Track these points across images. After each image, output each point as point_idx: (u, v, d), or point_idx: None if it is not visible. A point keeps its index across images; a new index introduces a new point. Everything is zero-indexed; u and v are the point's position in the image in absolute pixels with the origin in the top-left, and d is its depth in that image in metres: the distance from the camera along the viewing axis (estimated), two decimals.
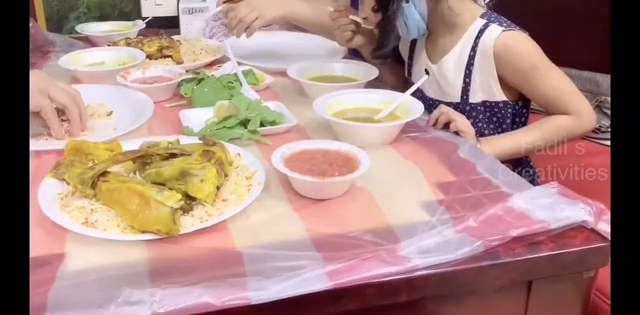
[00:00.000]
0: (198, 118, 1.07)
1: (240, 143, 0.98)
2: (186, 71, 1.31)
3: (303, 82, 1.21)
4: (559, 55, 1.52)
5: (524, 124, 1.14)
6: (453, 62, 1.10)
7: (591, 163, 1.29)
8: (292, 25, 1.53)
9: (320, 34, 1.43)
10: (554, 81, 1.07)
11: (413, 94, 1.12)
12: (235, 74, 1.22)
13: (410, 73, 1.23)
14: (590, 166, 1.22)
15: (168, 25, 1.82)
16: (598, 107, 1.47)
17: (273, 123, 1.05)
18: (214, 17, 1.63)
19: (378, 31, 1.14)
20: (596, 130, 1.43)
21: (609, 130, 1.44)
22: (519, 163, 1.16)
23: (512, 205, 0.75)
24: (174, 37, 1.53)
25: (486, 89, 1.09)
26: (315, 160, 0.86)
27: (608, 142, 1.40)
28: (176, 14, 1.80)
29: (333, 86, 1.18)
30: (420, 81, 1.09)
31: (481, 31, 1.07)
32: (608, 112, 1.46)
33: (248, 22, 1.33)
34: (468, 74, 1.09)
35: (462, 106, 1.12)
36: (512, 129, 1.14)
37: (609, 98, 1.46)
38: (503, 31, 1.05)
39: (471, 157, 0.94)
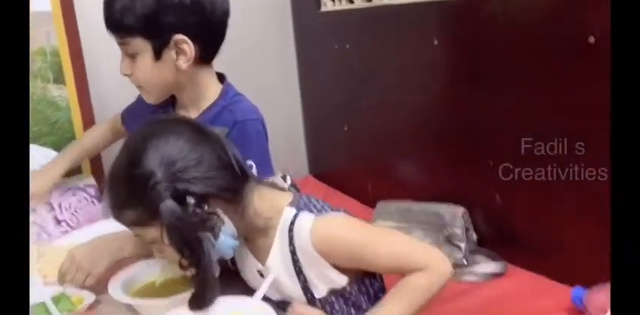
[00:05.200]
0: None
1: None
2: None
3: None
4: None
5: (382, 289, 1.02)
6: (278, 262, 0.97)
7: (456, 305, 1.24)
8: None
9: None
10: (388, 248, 0.94)
11: None
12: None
13: (245, 278, 1.07)
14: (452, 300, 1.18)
15: None
16: (448, 241, 1.44)
17: None
18: None
19: (196, 283, 0.94)
20: (453, 266, 1.39)
21: (465, 263, 1.41)
22: None
23: None
24: None
25: (326, 280, 0.97)
26: None
27: (467, 278, 1.36)
28: None
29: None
30: (267, 281, 0.96)
31: (293, 223, 0.94)
32: (460, 244, 1.43)
33: (79, 285, 1.13)
34: (299, 271, 0.96)
35: (312, 304, 0.98)
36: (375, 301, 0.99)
37: (456, 229, 1.44)
38: (315, 218, 0.93)
39: None
